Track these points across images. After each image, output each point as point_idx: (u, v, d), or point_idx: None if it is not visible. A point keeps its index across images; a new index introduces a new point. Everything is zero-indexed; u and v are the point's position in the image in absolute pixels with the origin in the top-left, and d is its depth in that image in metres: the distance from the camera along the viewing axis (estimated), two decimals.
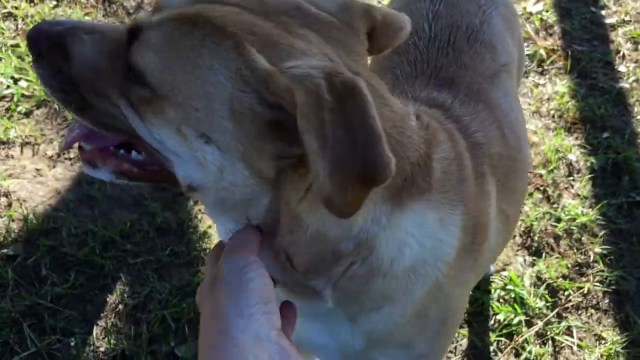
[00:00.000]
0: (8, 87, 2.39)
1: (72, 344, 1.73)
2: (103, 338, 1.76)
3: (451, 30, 1.29)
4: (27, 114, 2.32)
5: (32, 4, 2.73)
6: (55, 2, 2.74)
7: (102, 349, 1.74)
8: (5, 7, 2.72)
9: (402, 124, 0.85)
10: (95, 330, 1.78)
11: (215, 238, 1.98)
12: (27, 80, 2.41)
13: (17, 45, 2.54)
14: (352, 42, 0.84)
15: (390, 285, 0.91)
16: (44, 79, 0.82)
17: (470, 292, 1.90)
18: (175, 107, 0.75)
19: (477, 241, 1.00)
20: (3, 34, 2.59)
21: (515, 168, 1.20)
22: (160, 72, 0.76)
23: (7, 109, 2.33)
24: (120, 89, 0.79)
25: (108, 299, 1.84)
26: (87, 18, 2.67)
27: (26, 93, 2.37)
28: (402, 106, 0.90)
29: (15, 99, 2.35)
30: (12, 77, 2.42)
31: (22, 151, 2.21)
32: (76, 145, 0.90)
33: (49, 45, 0.80)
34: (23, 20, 2.66)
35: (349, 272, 0.87)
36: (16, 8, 2.72)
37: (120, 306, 1.83)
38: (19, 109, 2.32)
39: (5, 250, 1.90)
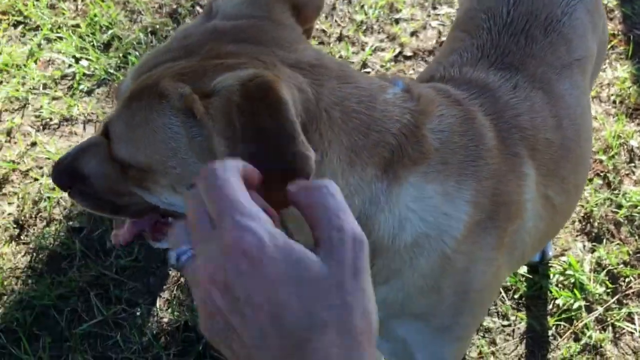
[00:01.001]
0: (70, 66, 2.45)
1: (138, 313, 1.77)
2: (166, 309, 1.81)
3: (529, 18, 1.26)
4: (89, 92, 2.37)
5: None
6: None
7: (165, 320, 1.79)
8: None
9: (370, 98, 0.85)
10: (159, 302, 1.82)
11: None
12: (87, 60, 2.47)
13: (78, 26, 2.59)
14: (281, 34, 0.84)
15: (395, 260, 0.92)
16: (81, 203, 0.97)
17: (529, 275, 1.89)
18: (161, 174, 0.83)
19: (500, 219, 1.00)
20: (64, 14, 2.65)
21: (569, 159, 1.18)
22: (135, 154, 0.83)
23: (70, 87, 2.39)
24: (126, 179, 0.88)
25: (170, 272, 1.88)
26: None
27: (87, 72, 2.42)
28: (373, 81, 0.91)
29: (77, 77, 2.41)
30: (73, 57, 2.48)
31: (84, 128, 2.27)
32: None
33: (69, 178, 0.94)
34: (83, 0, 2.72)
35: None
36: None
37: (182, 279, 1.87)
38: (80, 87, 2.38)
39: (71, 223, 1.96)
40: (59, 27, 2.60)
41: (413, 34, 2.51)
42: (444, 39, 2.48)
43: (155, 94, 0.79)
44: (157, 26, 2.59)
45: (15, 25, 2.64)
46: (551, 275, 1.92)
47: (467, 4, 1.38)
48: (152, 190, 0.86)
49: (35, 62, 2.47)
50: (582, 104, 1.27)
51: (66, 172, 0.94)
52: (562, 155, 1.16)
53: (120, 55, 2.49)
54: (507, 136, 1.04)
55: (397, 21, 2.55)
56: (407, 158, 0.87)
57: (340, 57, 2.44)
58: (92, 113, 2.30)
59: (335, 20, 2.57)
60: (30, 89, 2.37)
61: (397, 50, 2.45)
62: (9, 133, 2.24)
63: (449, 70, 1.18)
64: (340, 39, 2.51)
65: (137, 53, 2.49)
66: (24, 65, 2.45)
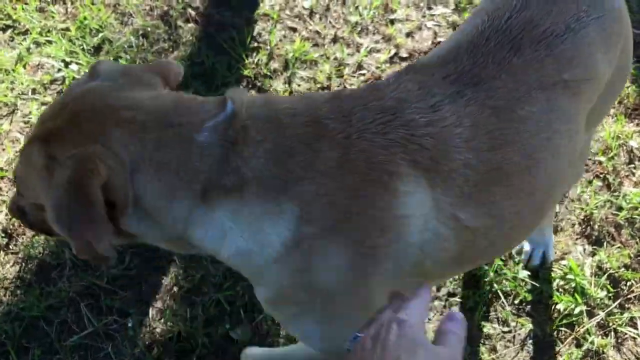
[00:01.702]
0: (59, 70, 2.40)
1: (130, 324, 1.73)
2: (159, 319, 1.76)
3: (526, 27, 1.17)
4: None
5: None
6: None
7: (158, 330, 1.74)
8: None
9: (184, 142, 0.99)
10: (151, 312, 1.78)
11: None
12: (77, 64, 2.42)
13: (67, 29, 2.55)
14: (140, 94, 1.04)
15: (234, 265, 1.10)
16: (33, 230, 1.27)
17: (529, 280, 1.86)
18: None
19: (350, 231, 1.04)
20: (53, 17, 2.60)
21: (505, 184, 1.13)
22: (29, 195, 1.10)
23: (59, 92, 2.35)
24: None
25: (163, 281, 1.84)
26: (134, 2, 2.66)
27: (77, 76, 2.38)
28: (194, 119, 1.01)
29: (67, 82, 2.37)
30: (63, 61, 2.43)
31: None
32: None
33: (18, 213, 1.17)
34: (72, 3, 2.67)
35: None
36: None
37: (174, 288, 1.83)
38: None
39: None
40: (49, 31, 2.55)
41: (408, 34, 2.47)
42: (440, 39, 2.45)
43: (28, 152, 1.02)
44: (149, 29, 2.54)
45: (3, 30, 2.59)
46: (552, 280, 1.89)
47: (482, 3, 1.32)
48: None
49: (24, 66, 2.42)
50: (555, 129, 1.17)
51: (13, 209, 1.17)
52: (493, 179, 1.11)
53: (111, 58, 2.45)
54: (378, 155, 1.03)
55: (392, 22, 2.51)
56: (220, 188, 0.99)
57: (336, 58, 2.40)
58: None
59: (330, 22, 2.53)
60: (19, 94, 2.33)
61: (393, 52, 2.42)
62: None
63: (402, 77, 1.15)
64: (335, 40, 2.47)
65: (127, 56, 2.45)
66: (13, 70, 2.40)
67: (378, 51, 2.43)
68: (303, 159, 1.01)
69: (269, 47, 2.44)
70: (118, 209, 0.99)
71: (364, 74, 2.36)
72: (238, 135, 1.00)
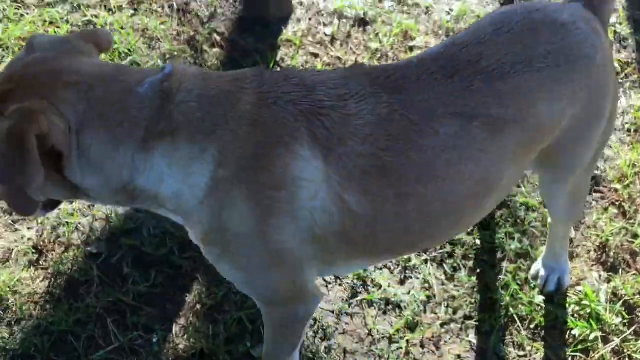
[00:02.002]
0: None
1: (155, 340, 1.79)
2: (182, 336, 1.82)
3: (473, 59, 1.26)
4: None
5: (110, 13, 2.85)
6: (132, 12, 2.85)
7: (181, 347, 1.80)
8: (85, 15, 2.84)
9: (125, 95, 1.15)
10: (175, 328, 1.83)
11: None
12: None
13: None
14: (76, 59, 1.19)
15: (172, 209, 1.23)
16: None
17: (544, 305, 1.89)
18: None
19: (256, 180, 1.18)
20: None
21: (394, 185, 1.23)
22: None
23: None
24: None
25: (187, 299, 1.90)
26: (162, 27, 2.76)
27: None
28: (135, 77, 1.19)
29: None
30: None
31: None
32: None
33: None
34: (103, 27, 2.77)
35: (147, 204, 1.25)
36: (96, 17, 2.84)
37: (198, 306, 1.88)
38: None
39: (90, 248, 1.98)
40: None
41: None
42: None
43: None
44: (175, 53, 2.63)
45: None
46: (567, 305, 1.91)
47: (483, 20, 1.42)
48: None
49: None
50: (461, 155, 1.24)
51: None
52: (382, 176, 1.22)
53: None
54: (286, 120, 1.19)
55: (411, 49, 2.58)
56: (156, 134, 1.14)
57: None
58: None
59: (351, 48, 2.61)
60: None
61: None
62: None
63: (342, 69, 1.42)
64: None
65: None
66: None
67: None
68: (224, 111, 1.17)
69: None
70: (64, 160, 1.13)
71: None
72: (173, 86, 1.17)
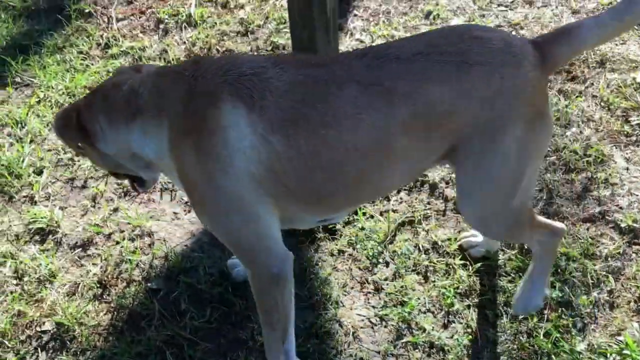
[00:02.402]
0: None
1: None
2: None
3: (397, 46, 1.62)
4: None
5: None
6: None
7: None
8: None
9: (117, 94, 1.66)
10: None
11: (334, 285, 2.11)
12: None
13: None
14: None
15: (161, 169, 1.76)
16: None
17: (589, 355, 1.93)
18: None
19: (196, 132, 1.54)
20: None
21: (302, 129, 1.54)
22: None
23: None
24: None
25: (240, 335, 1.99)
26: None
27: None
28: (126, 79, 1.69)
29: None
30: None
31: (161, 196, 2.46)
32: None
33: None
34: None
35: (154, 169, 1.78)
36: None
37: (250, 342, 1.98)
38: None
39: (150, 284, 2.11)
40: None
41: None
42: None
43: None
44: None
45: None
46: (608, 355, 1.96)
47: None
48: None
49: None
50: (362, 113, 1.54)
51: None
52: (298, 124, 1.53)
53: None
54: (212, 87, 1.55)
55: None
56: (131, 114, 1.62)
57: None
58: (168, 182, 2.49)
59: None
60: None
61: None
62: (94, 199, 2.44)
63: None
64: None
65: None
66: None
67: None
68: (169, 93, 1.60)
69: None
70: (92, 137, 1.68)
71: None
72: (135, 84, 1.64)
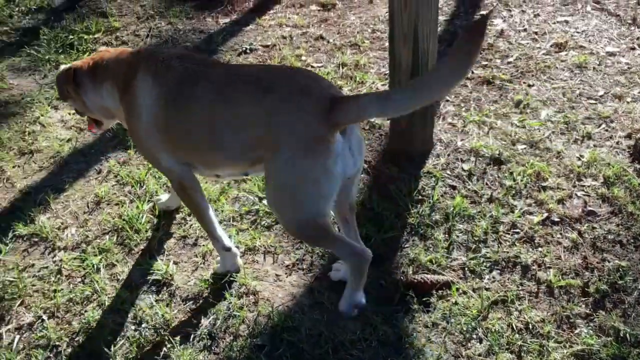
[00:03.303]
0: (254, 204, 2.89)
1: None
2: None
3: (239, 69, 2.35)
4: (269, 228, 2.77)
5: None
6: None
7: None
8: None
9: (99, 60, 2.48)
10: None
11: (429, 356, 2.19)
12: None
13: None
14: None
15: (121, 119, 2.60)
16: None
17: None
18: None
19: (125, 94, 2.34)
20: None
21: (183, 91, 2.21)
22: None
23: (253, 222, 2.81)
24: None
25: None
26: None
27: (268, 210, 2.84)
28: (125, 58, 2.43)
29: (259, 213, 2.83)
30: (257, 196, 2.93)
31: (264, 258, 2.64)
32: None
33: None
34: None
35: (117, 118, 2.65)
36: None
37: None
38: (262, 222, 2.79)
39: (255, 340, 2.25)
40: None
41: (560, 201, 2.76)
42: (590, 207, 2.71)
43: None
44: None
45: None
46: None
47: None
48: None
49: (226, 198, 2.94)
50: (210, 101, 2.17)
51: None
52: (181, 90, 2.20)
53: None
54: (139, 65, 2.31)
55: (544, 189, 2.82)
56: (104, 80, 2.44)
57: (491, 216, 2.71)
58: (271, 246, 2.67)
59: (486, 183, 2.88)
60: (221, 220, 2.81)
61: (545, 215, 2.70)
62: (203, 256, 2.65)
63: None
64: (490, 200, 2.80)
65: None
66: (217, 199, 2.92)
67: (531, 214, 2.72)
68: (121, 67, 2.37)
69: (431, 201, 2.81)
70: (80, 90, 2.52)
71: (517, 232, 2.64)
72: (112, 59, 2.44)
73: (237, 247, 2.60)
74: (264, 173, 2.14)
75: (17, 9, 4.95)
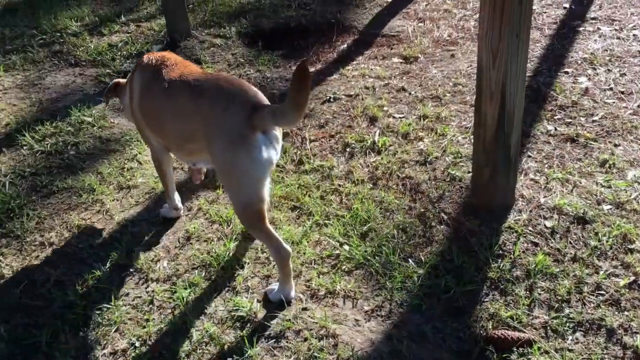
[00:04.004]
0: (335, 248, 2.98)
1: None
2: None
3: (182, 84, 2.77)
4: (349, 272, 2.85)
5: (354, 184, 3.42)
6: (371, 185, 3.39)
7: None
8: (332, 184, 3.44)
9: (127, 77, 3.22)
10: None
11: None
12: (349, 245, 2.98)
13: (343, 216, 3.17)
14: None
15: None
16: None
17: None
18: None
19: (127, 90, 3.12)
20: (331, 205, 3.27)
21: (157, 114, 2.86)
22: None
23: (334, 266, 2.89)
24: None
25: None
26: (396, 201, 3.25)
27: (348, 255, 2.92)
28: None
29: (340, 258, 2.92)
30: (338, 241, 3.02)
31: (344, 302, 2.70)
32: None
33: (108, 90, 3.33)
34: (346, 196, 3.33)
35: None
36: (340, 186, 3.43)
37: None
38: (343, 267, 2.87)
39: None
40: (328, 216, 3.20)
41: None
42: None
43: None
44: (407, 225, 3.07)
45: (292, 209, 3.30)
46: None
47: None
48: None
49: (308, 241, 3.04)
50: (170, 112, 2.79)
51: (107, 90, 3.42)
52: (151, 95, 2.85)
53: (376, 245, 2.97)
54: (137, 67, 3.01)
55: (630, 251, 2.77)
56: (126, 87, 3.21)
57: (575, 276, 2.68)
58: (351, 291, 2.74)
59: (570, 242, 2.86)
60: (303, 262, 2.91)
61: (632, 279, 2.64)
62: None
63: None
64: (574, 259, 2.77)
65: (390, 245, 2.96)
66: (299, 242, 3.03)
67: (616, 276, 2.67)
68: (132, 73, 3.08)
69: (512, 256, 2.80)
70: (119, 95, 3.28)
71: (602, 294, 2.59)
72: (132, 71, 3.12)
73: (183, 209, 2.69)
74: (210, 165, 2.83)
75: (119, 53, 5.36)
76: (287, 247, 2.62)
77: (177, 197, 3.30)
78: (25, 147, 4.04)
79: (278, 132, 2.56)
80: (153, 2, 6.44)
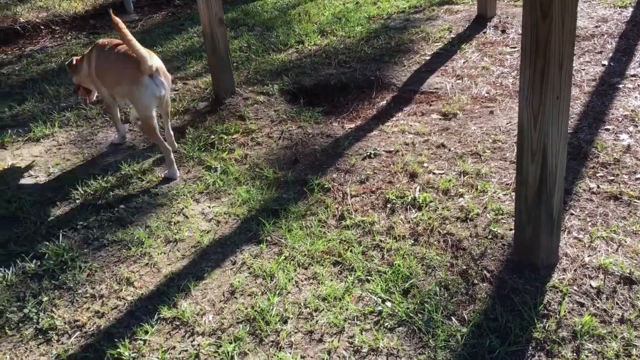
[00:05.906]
0: (377, 304, 3.00)
1: None
2: None
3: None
4: (391, 330, 2.85)
5: (395, 240, 3.46)
6: (413, 241, 3.42)
7: None
8: (374, 240, 3.48)
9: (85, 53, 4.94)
10: None
11: None
12: (391, 302, 3.00)
13: (385, 272, 3.20)
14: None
15: None
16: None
17: None
18: None
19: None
20: (373, 260, 3.30)
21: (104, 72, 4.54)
22: None
23: (376, 322, 2.90)
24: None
25: None
26: (438, 258, 3.26)
27: (390, 312, 2.94)
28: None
29: (383, 314, 2.93)
30: (380, 297, 3.04)
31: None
32: None
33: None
34: (388, 251, 3.36)
35: None
36: (382, 241, 3.46)
37: None
38: (385, 324, 2.88)
39: None
40: (369, 271, 3.23)
41: None
42: None
43: None
44: (449, 282, 3.08)
45: (334, 264, 3.35)
46: None
47: None
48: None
49: (350, 296, 3.07)
50: (118, 73, 4.41)
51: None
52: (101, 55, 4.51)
53: (418, 302, 2.98)
54: (96, 45, 4.59)
55: None
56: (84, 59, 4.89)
57: (623, 338, 2.63)
58: (394, 348, 2.74)
59: (617, 303, 2.82)
60: (345, 318, 2.94)
61: None
62: (329, 352, 2.76)
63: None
64: (622, 321, 2.72)
65: (432, 302, 2.96)
66: (341, 298, 3.06)
67: None
68: (90, 50, 4.80)
69: (558, 316, 2.77)
70: (76, 69, 4.85)
71: None
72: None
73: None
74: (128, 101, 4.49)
75: None
76: (168, 145, 4.41)
77: (122, 127, 5.08)
78: (78, 201, 4.22)
79: (163, 77, 4.23)
80: (199, 61, 6.74)
